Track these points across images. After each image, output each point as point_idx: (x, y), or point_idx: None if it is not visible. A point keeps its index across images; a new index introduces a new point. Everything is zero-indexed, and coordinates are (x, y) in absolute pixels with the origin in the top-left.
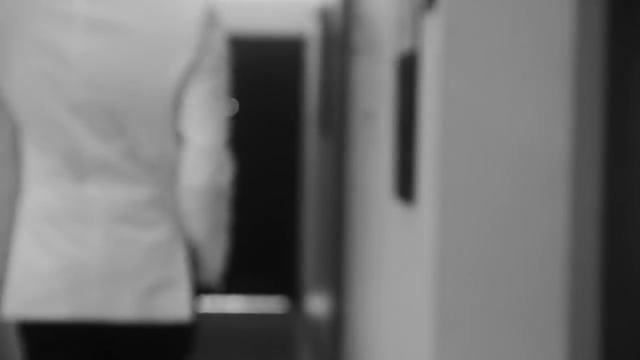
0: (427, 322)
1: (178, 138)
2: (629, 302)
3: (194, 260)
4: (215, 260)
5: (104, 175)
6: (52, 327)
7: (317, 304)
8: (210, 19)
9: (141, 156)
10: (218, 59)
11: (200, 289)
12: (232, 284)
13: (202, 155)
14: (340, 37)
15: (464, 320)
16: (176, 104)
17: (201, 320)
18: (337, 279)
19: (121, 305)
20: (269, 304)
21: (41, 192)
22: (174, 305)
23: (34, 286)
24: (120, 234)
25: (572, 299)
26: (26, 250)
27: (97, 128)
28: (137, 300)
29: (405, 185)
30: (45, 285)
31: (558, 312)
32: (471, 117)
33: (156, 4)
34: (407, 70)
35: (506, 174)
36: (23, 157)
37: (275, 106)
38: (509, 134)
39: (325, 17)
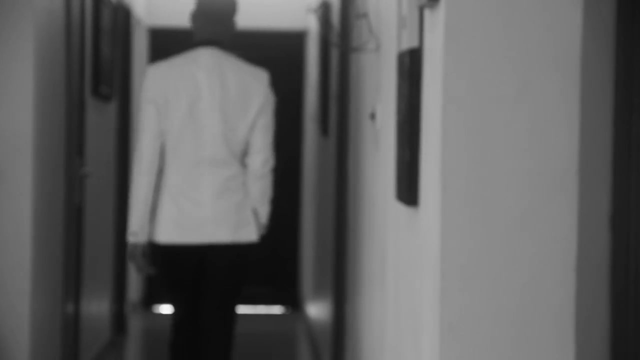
0: (429, 326)
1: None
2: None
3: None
4: (263, 217)
5: (212, 163)
6: (184, 247)
7: (317, 308)
8: (269, 83)
9: (233, 152)
10: (272, 104)
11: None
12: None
13: (257, 152)
14: (339, 34)
15: (467, 325)
16: (252, 126)
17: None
18: (337, 283)
19: (222, 234)
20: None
21: (174, 175)
22: (249, 233)
23: (174, 226)
24: (220, 196)
25: (580, 302)
26: (167, 208)
27: (215, 138)
28: (230, 231)
29: (408, 188)
30: (180, 226)
31: (566, 316)
32: (473, 117)
33: (241, 74)
34: (409, 68)
35: (510, 176)
36: (165, 157)
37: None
38: (513, 135)
39: (325, 13)
